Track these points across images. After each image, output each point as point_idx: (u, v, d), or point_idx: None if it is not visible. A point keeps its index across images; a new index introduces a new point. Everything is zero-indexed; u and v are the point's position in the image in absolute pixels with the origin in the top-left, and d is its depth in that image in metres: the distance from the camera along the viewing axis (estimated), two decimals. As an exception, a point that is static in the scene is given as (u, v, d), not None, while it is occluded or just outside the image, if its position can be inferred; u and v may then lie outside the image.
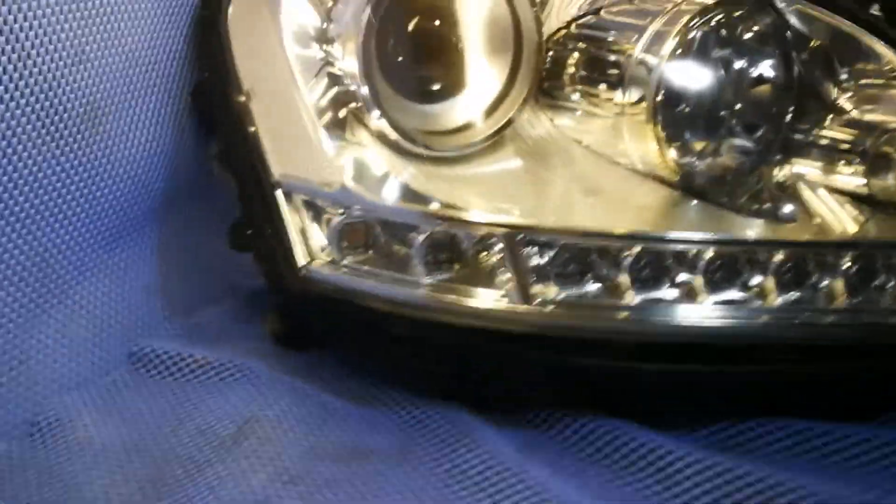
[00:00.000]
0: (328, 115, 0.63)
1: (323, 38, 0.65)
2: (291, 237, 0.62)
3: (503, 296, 0.57)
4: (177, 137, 0.74)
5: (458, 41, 0.66)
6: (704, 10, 0.60)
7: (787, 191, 0.64)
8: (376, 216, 0.60)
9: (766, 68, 0.62)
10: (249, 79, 0.66)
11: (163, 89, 0.72)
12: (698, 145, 0.61)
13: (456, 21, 0.65)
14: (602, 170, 0.64)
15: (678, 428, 0.60)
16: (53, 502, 0.54)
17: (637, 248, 0.57)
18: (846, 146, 0.63)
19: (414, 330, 0.60)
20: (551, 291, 0.57)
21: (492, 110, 0.65)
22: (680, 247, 0.58)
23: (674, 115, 0.60)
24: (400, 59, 0.64)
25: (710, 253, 0.58)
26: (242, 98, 0.66)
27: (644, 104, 0.60)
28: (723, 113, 0.61)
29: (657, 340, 0.58)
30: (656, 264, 0.58)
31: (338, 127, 0.63)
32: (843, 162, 0.63)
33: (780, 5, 0.62)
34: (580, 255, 0.58)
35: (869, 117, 0.63)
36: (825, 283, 0.59)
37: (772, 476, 0.52)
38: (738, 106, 0.62)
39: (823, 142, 0.64)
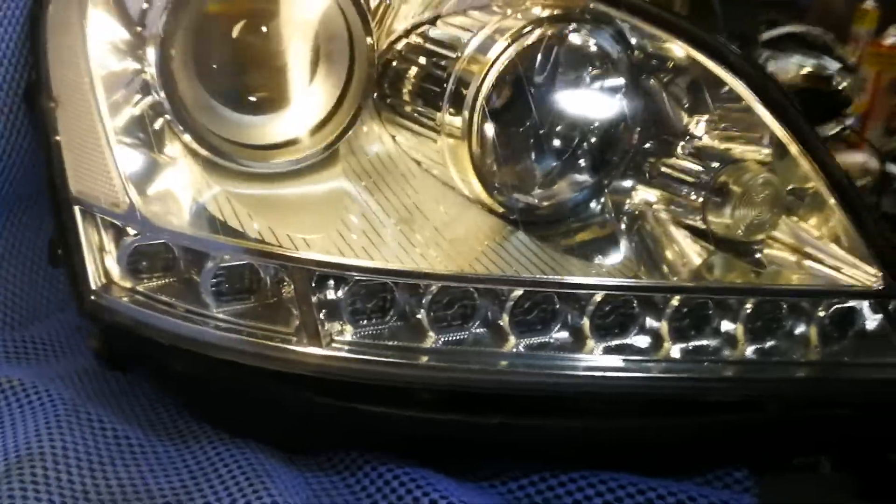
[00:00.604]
0: (132, 128, 0.59)
1: (137, 44, 0.60)
2: (86, 259, 0.58)
3: (290, 334, 0.53)
4: (8, 143, 0.70)
5: (284, 50, 0.61)
6: (531, 24, 0.55)
7: (634, 224, 0.59)
8: (168, 240, 0.55)
9: (599, 91, 0.58)
10: (59, 84, 0.61)
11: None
12: (517, 173, 0.57)
13: (282, 29, 0.61)
14: (430, 194, 0.59)
15: (488, 478, 0.56)
16: None
17: (435, 287, 0.52)
18: (691, 177, 0.58)
19: (197, 367, 0.55)
20: (345, 330, 0.53)
21: (320, 126, 0.61)
22: (487, 286, 0.53)
23: (489, 137, 0.55)
24: (218, 65, 0.60)
25: (517, 293, 0.53)
26: (52, 104, 0.61)
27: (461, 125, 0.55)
28: (545, 135, 0.57)
29: (457, 389, 0.53)
30: (461, 303, 0.54)
31: (144, 141, 0.59)
32: (687, 193, 0.58)
33: (623, 26, 0.57)
34: (376, 291, 0.53)
35: (714, 146, 0.58)
36: (650, 328, 0.55)
37: None
38: (562, 129, 0.57)
39: (669, 171, 0.59)
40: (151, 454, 0.59)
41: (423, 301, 0.53)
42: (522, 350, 0.53)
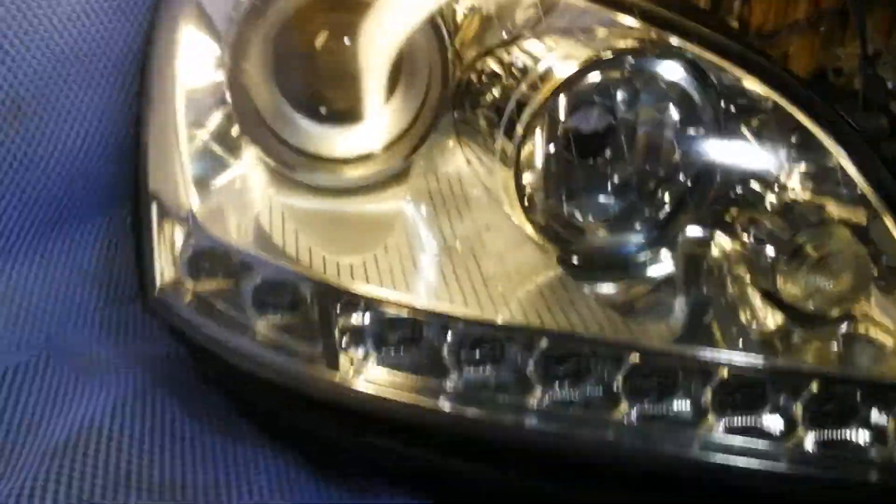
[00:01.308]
0: (206, 135, 0.61)
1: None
2: (155, 255, 0.61)
3: (313, 356, 0.53)
4: (119, 131, 0.75)
5: (365, 63, 0.61)
6: (605, 51, 0.51)
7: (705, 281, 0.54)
8: (216, 248, 0.57)
9: (673, 131, 0.53)
10: (152, 87, 0.65)
11: (100, 83, 0.72)
12: (569, 211, 0.53)
13: (365, 42, 0.60)
14: (491, 226, 0.57)
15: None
16: None
17: (460, 327, 0.51)
18: (772, 235, 0.52)
19: (233, 374, 0.56)
20: (368, 358, 0.52)
21: (394, 142, 0.60)
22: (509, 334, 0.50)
23: (538, 167, 0.52)
24: (296, 75, 0.61)
25: (543, 343, 0.50)
26: (146, 103, 0.65)
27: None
28: (603, 173, 0.53)
29: (477, 437, 0.51)
30: (485, 349, 0.51)
31: (214, 149, 0.61)
32: (765, 252, 0.52)
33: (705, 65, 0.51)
34: (404, 323, 0.52)
35: (805, 201, 0.52)
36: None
37: None
38: (625, 169, 0.53)
39: (751, 226, 0.53)
40: (199, 445, 0.61)
41: (445, 340, 0.51)
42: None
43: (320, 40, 0.61)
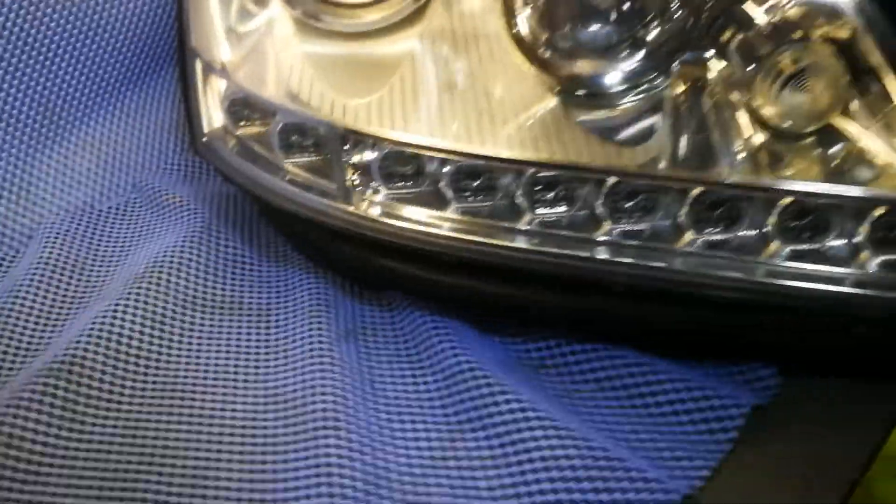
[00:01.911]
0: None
1: None
2: (200, 105, 0.68)
3: (331, 192, 0.59)
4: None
5: None
6: None
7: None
8: (245, 96, 0.63)
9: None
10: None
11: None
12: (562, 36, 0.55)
13: None
14: (499, 57, 0.60)
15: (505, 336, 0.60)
16: None
17: (456, 161, 0.55)
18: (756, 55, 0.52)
19: (273, 212, 0.64)
20: (379, 191, 0.58)
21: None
22: (502, 165, 0.55)
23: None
24: None
25: (530, 172, 0.54)
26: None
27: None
28: None
29: (475, 259, 0.56)
30: (479, 179, 0.56)
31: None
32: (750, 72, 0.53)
33: None
34: (409, 157, 0.57)
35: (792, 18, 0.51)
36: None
37: None
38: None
39: (741, 46, 0.53)
40: (256, 271, 0.70)
41: (445, 172, 0.56)
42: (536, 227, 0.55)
43: None
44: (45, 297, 0.68)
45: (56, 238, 0.74)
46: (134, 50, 0.80)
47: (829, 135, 0.51)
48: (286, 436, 0.53)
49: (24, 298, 0.67)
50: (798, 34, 0.50)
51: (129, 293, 0.65)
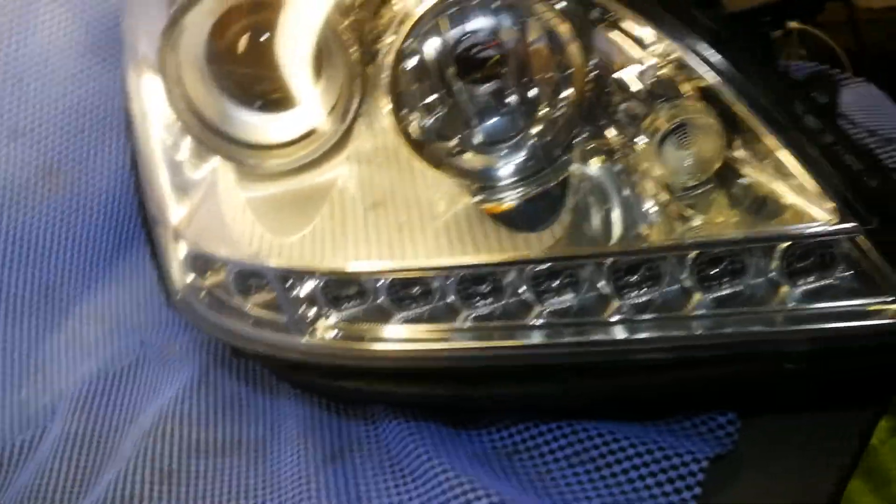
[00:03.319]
0: (181, 153, 0.70)
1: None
2: (169, 263, 0.72)
3: (284, 326, 0.62)
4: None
5: (287, 53, 0.67)
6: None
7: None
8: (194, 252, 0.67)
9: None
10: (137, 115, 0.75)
11: (116, 131, 0.84)
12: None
13: (281, 33, 0.67)
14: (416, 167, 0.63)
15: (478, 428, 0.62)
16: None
17: (389, 277, 0.58)
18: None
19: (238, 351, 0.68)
20: (326, 317, 0.61)
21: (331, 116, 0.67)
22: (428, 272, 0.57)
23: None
24: (232, 73, 0.68)
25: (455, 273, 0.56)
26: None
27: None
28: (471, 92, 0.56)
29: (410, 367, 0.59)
30: (415, 287, 0.59)
31: (189, 162, 0.70)
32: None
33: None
34: (341, 284, 0.60)
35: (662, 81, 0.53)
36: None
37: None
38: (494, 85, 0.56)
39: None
40: (251, 408, 0.74)
41: (380, 288, 0.59)
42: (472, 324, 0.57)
43: (244, 41, 0.68)
44: (67, 473, 0.72)
45: (74, 412, 0.79)
46: (118, 219, 0.87)
47: (724, 182, 0.52)
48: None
49: (49, 477, 0.72)
50: (669, 93, 0.52)
51: (138, 451, 0.69)
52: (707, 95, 0.51)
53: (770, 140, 0.49)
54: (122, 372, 0.84)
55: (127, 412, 0.80)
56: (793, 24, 0.78)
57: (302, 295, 0.61)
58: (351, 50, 0.63)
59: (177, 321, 0.90)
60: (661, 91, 0.53)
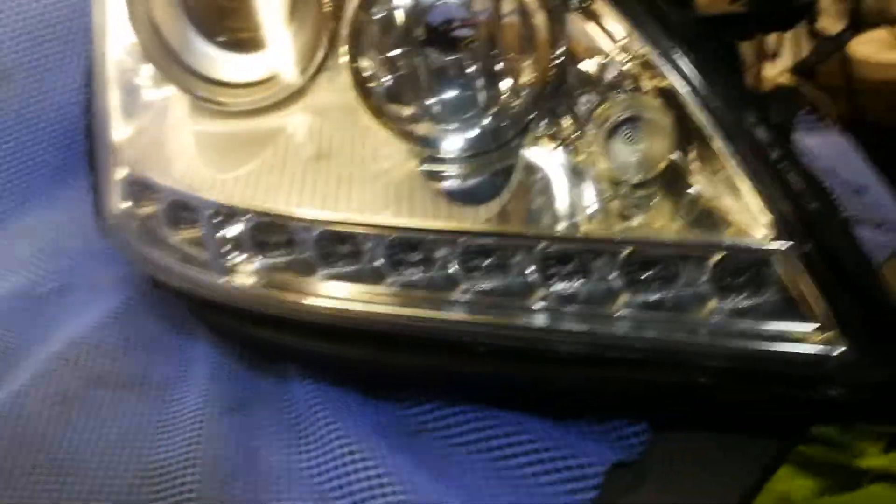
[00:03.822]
0: (135, 75, 0.68)
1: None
2: (105, 189, 0.70)
3: (205, 264, 0.60)
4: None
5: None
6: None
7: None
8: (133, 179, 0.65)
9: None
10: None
11: (77, 46, 0.82)
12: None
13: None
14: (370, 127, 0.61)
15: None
16: None
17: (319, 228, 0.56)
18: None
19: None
20: (249, 261, 0.59)
21: (296, 65, 0.65)
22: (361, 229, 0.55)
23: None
24: (204, 6, 0.66)
25: (392, 236, 0.55)
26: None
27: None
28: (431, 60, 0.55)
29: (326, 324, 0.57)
30: (345, 245, 0.57)
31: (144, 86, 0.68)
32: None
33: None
34: (270, 229, 0.58)
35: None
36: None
37: None
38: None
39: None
40: (164, 347, 0.72)
41: (309, 240, 0.57)
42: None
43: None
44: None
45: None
46: (67, 137, 0.84)
47: (668, 186, 0.51)
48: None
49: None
50: (627, 86, 0.51)
51: (43, 371, 0.67)
52: (664, 95, 0.50)
53: (719, 147, 0.48)
54: (46, 293, 0.82)
55: (42, 333, 0.77)
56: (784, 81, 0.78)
57: (229, 235, 0.59)
58: (324, 1, 0.62)
59: (108, 253, 0.88)
60: (620, 84, 0.51)
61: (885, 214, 0.72)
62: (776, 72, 0.84)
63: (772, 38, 0.76)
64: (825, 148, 0.80)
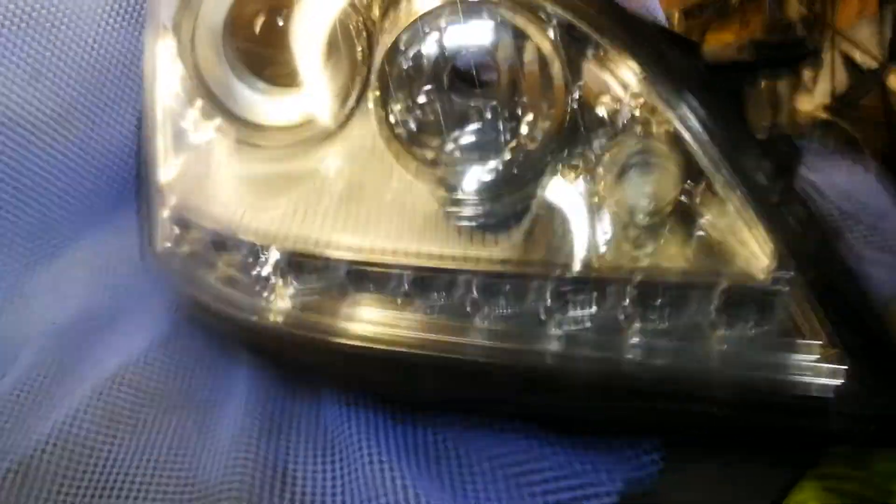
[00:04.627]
0: (182, 118, 0.73)
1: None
2: (152, 223, 0.75)
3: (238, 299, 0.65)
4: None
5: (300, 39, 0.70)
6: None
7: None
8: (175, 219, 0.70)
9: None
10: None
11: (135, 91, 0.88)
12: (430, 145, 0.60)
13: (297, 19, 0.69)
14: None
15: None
16: None
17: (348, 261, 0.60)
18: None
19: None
20: (282, 294, 0.64)
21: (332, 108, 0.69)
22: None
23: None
24: (245, 51, 0.71)
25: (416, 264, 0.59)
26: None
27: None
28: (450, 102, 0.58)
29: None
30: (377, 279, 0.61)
31: (189, 129, 0.73)
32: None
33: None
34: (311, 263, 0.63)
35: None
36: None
37: None
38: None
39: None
40: (212, 368, 0.76)
41: (340, 272, 0.61)
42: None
43: (261, 20, 0.71)
44: (24, 403, 0.75)
45: (46, 346, 0.82)
46: (121, 175, 0.90)
47: (676, 222, 0.53)
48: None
49: (6, 403, 0.74)
50: (637, 130, 0.54)
51: (95, 395, 0.72)
52: (672, 138, 0.53)
53: (722, 186, 0.51)
54: (99, 318, 0.87)
55: (94, 357, 0.82)
56: (822, 116, 0.81)
57: (263, 272, 0.64)
58: (358, 47, 0.67)
59: (156, 279, 0.93)
60: (631, 127, 0.55)
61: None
62: (812, 106, 0.87)
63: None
64: (846, 177, 0.82)
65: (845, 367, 0.50)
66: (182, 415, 0.71)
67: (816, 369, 0.51)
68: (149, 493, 0.62)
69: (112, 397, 0.72)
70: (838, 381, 0.50)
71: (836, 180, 0.78)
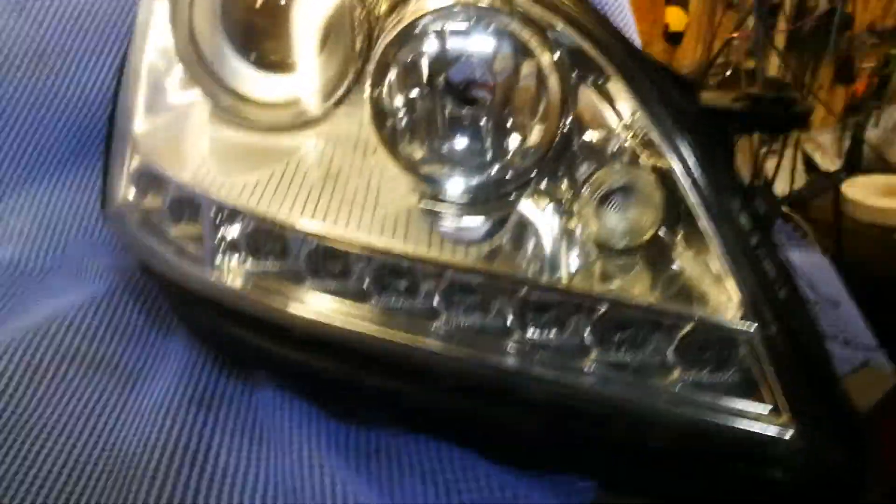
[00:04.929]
0: (165, 75, 0.71)
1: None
2: (115, 176, 0.72)
3: (195, 259, 0.62)
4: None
5: (296, 20, 0.69)
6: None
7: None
8: (145, 170, 0.68)
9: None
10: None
11: (115, 41, 0.85)
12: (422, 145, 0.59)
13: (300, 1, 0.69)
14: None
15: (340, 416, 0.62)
16: None
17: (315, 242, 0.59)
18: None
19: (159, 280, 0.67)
20: (241, 263, 0.61)
21: (324, 90, 0.68)
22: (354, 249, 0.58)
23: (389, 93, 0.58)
24: (242, 26, 0.69)
25: (382, 259, 0.57)
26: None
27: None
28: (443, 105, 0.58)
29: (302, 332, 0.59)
30: (337, 262, 0.59)
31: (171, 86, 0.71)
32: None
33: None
34: (267, 237, 0.61)
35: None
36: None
37: None
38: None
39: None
40: (139, 335, 0.73)
41: (303, 251, 0.59)
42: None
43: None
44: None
45: (-28, 289, 0.78)
46: (86, 127, 0.87)
47: (651, 256, 0.54)
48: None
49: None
50: (626, 160, 0.54)
51: (17, 345, 0.68)
52: (660, 172, 0.53)
53: (704, 227, 0.51)
54: (33, 269, 0.83)
55: (20, 307, 0.78)
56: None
57: (227, 236, 0.62)
58: (358, 38, 0.66)
59: (99, 243, 0.89)
60: (619, 156, 0.55)
61: (854, 332, 0.75)
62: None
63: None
64: (808, 261, 0.84)
65: (794, 421, 0.50)
66: (107, 376, 0.68)
67: (766, 419, 0.51)
68: (63, 445, 0.58)
69: (33, 349, 0.68)
70: (786, 434, 0.50)
71: (796, 262, 0.79)
